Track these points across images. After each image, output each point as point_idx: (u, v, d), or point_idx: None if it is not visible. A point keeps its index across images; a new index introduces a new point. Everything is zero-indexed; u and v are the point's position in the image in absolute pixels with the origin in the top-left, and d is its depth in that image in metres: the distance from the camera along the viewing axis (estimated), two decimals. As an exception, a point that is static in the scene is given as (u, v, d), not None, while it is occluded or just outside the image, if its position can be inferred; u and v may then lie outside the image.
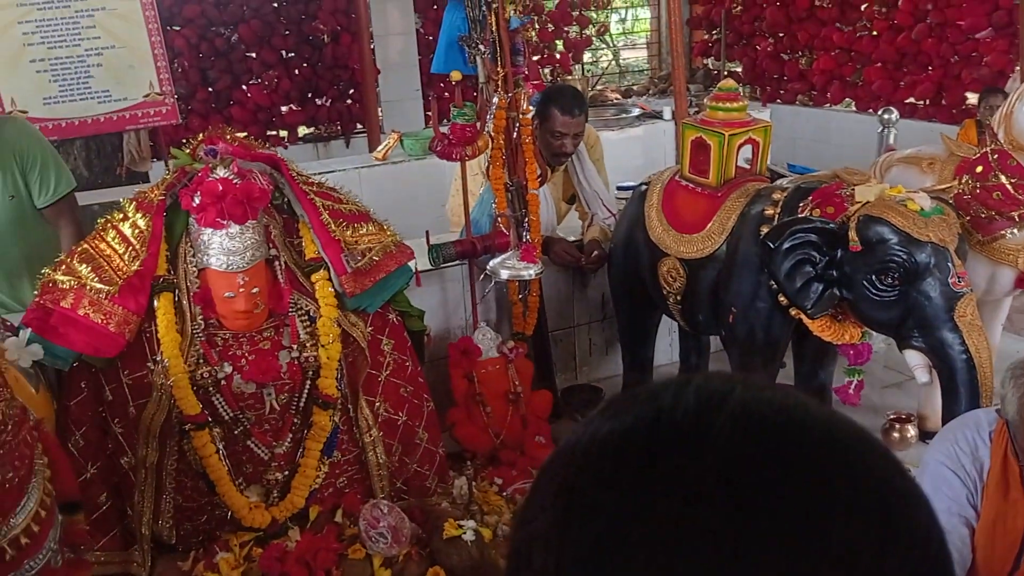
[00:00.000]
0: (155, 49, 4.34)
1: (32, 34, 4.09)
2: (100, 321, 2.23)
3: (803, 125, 6.53)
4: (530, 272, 2.91)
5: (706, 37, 7.56)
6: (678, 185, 2.91)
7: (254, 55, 6.31)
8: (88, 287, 2.25)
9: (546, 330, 3.26)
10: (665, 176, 3.00)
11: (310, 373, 2.44)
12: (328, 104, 6.61)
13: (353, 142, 6.65)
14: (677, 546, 0.48)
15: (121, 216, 2.34)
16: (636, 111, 5.94)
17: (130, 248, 2.29)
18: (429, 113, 6.64)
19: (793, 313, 2.54)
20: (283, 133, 6.52)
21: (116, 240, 2.31)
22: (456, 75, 2.86)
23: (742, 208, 2.69)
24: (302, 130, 6.71)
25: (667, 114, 5.60)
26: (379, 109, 6.30)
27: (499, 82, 2.89)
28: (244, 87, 6.35)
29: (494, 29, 2.86)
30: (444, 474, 2.75)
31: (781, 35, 6.83)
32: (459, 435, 2.93)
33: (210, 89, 6.23)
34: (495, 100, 2.90)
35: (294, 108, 6.54)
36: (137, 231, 2.30)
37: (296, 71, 6.47)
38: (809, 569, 0.48)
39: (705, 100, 2.98)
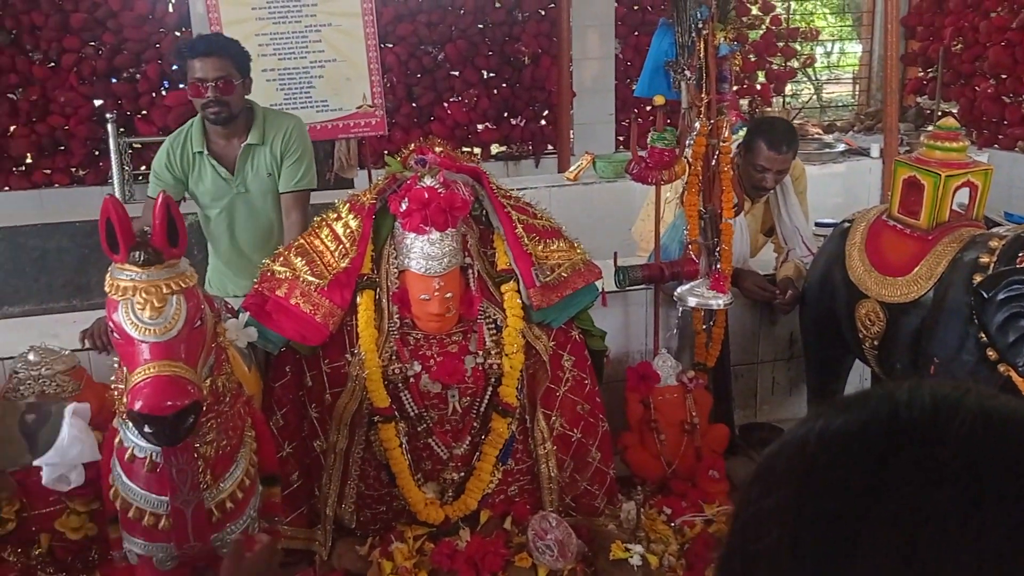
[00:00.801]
0: (371, 64, 4.61)
1: (266, 45, 4.45)
2: (309, 311, 2.39)
3: (1023, 173, 6.06)
4: (719, 302, 2.85)
5: (920, 74, 7.17)
6: (884, 225, 2.77)
7: (457, 74, 6.58)
8: (301, 279, 2.41)
9: (728, 363, 3.18)
10: (871, 215, 2.86)
11: (493, 380, 2.50)
12: (522, 124, 6.78)
13: (543, 162, 6.78)
14: (917, 525, 0.52)
15: (335, 216, 2.50)
16: (841, 147, 5.71)
17: (341, 246, 2.44)
18: (620, 137, 6.70)
19: (1002, 369, 2.35)
20: (476, 150, 6.74)
21: (329, 238, 2.47)
22: (660, 99, 2.86)
23: (954, 254, 2.53)
24: (495, 148, 6.91)
25: (874, 151, 5.35)
26: (571, 131, 6.40)
27: (702, 108, 2.87)
28: (445, 104, 6.63)
29: (701, 56, 2.85)
30: (613, 496, 2.74)
31: (1004, 76, 6.37)
32: (630, 459, 2.91)
33: (414, 104, 6.54)
34: (696, 126, 2.88)
35: (490, 126, 6.75)
36: (348, 231, 2.45)
37: (495, 91, 6.68)
38: None
39: (922, 138, 2.83)
